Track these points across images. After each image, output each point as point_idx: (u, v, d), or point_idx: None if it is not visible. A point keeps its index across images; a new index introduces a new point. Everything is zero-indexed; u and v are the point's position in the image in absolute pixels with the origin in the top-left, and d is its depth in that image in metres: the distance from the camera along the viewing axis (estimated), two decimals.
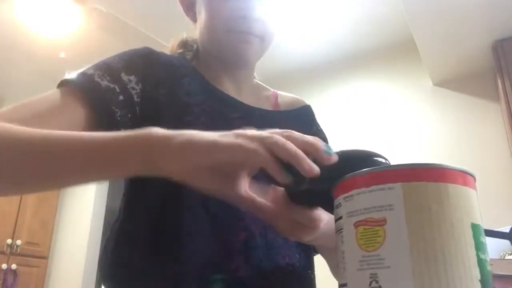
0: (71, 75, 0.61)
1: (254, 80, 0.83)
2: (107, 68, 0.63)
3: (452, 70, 2.65)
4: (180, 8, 0.79)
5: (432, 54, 2.51)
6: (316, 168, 0.41)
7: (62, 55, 3.10)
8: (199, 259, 0.58)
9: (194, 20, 0.77)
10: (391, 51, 2.99)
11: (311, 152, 0.42)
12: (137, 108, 0.63)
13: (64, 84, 0.60)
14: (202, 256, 0.58)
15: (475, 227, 0.37)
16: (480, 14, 2.16)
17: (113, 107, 0.60)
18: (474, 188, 0.39)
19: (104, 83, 0.61)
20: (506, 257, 1.50)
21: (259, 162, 0.41)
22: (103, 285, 0.66)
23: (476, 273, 0.35)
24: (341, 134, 2.19)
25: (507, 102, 2.25)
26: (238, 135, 0.43)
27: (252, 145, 0.41)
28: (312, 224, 0.49)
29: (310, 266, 0.70)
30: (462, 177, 0.38)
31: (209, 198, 0.60)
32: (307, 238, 0.51)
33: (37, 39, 3.00)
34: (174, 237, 0.59)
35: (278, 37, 0.74)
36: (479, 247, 0.36)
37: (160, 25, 2.58)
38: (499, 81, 2.35)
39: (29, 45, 3.06)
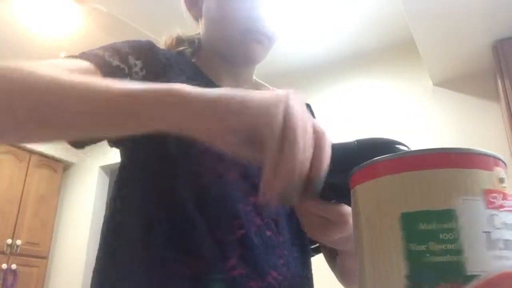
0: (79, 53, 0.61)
1: (254, 78, 0.83)
2: (115, 50, 0.63)
3: (452, 70, 2.65)
4: (180, 8, 0.78)
5: (432, 54, 2.50)
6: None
7: (62, 55, 3.07)
8: (193, 257, 0.57)
9: (198, 16, 0.76)
10: (392, 51, 2.99)
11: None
12: None
13: (80, 57, 0.60)
14: (196, 254, 0.57)
15: (407, 217, 0.33)
16: (480, 14, 2.15)
17: None
18: (414, 169, 0.34)
19: (115, 62, 0.61)
20: None
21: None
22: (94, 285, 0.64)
23: (402, 268, 0.32)
24: (341, 134, 2.18)
25: (507, 102, 2.24)
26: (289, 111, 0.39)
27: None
28: (340, 219, 0.48)
29: (307, 266, 0.70)
30: (373, 170, 0.35)
31: (204, 194, 0.60)
32: (337, 236, 0.51)
33: (36, 39, 3.00)
34: (167, 236, 0.58)
35: (281, 37, 0.74)
36: (412, 237, 0.32)
37: (160, 25, 2.57)
38: (499, 81, 2.35)
39: (29, 45, 3.06)
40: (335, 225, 0.49)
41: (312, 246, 0.71)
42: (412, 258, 0.31)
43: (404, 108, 2.84)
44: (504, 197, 0.33)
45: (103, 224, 0.67)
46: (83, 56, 0.60)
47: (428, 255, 0.31)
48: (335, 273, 0.73)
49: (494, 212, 0.31)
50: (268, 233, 0.62)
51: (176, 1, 0.78)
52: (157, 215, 0.60)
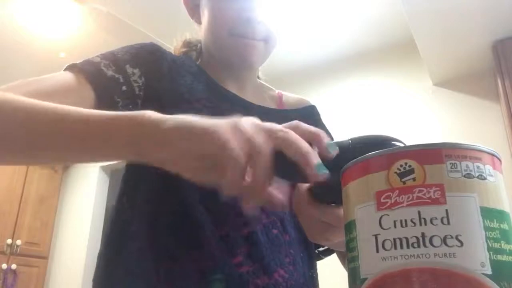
0: (79, 61, 0.62)
1: (258, 80, 0.83)
2: (113, 59, 0.64)
3: (452, 70, 2.65)
4: (180, 9, 0.79)
5: (432, 54, 2.50)
6: (319, 176, 0.38)
7: (62, 55, 3.09)
8: (201, 253, 0.57)
9: (199, 22, 0.77)
10: (391, 51, 2.99)
11: (315, 143, 0.41)
12: (139, 101, 0.64)
13: (71, 68, 0.61)
14: (204, 250, 0.57)
15: (346, 226, 0.35)
16: (480, 14, 2.15)
17: (115, 97, 0.61)
18: (370, 172, 0.34)
19: (109, 72, 0.62)
20: None
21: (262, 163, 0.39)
22: (97, 282, 0.64)
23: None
24: (341, 134, 2.18)
25: (507, 102, 2.24)
26: (238, 126, 0.40)
27: (257, 140, 0.39)
28: (339, 223, 0.47)
29: (312, 265, 0.70)
30: (351, 173, 0.35)
31: (210, 191, 0.60)
32: (337, 239, 0.50)
33: (37, 39, 3.00)
34: (174, 231, 0.59)
35: (281, 39, 0.74)
36: (347, 246, 0.35)
37: (160, 25, 2.57)
38: (499, 81, 2.35)
39: (29, 45, 3.06)
40: (335, 228, 0.49)
41: (321, 249, 0.70)
42: (348, 265, 0.35)
43: (404, 108, 2.84)
44: (403, 192, 0.30)
45: (110, 220, 0.67)
46: (80, 66, 0.61)
47: (348, 262, 0.34)
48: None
49: (384, 213, 0.31)
50: (275, 231, 0.62)
51: (176, 1, 0.78)
52: (164, 211, 0.60)
